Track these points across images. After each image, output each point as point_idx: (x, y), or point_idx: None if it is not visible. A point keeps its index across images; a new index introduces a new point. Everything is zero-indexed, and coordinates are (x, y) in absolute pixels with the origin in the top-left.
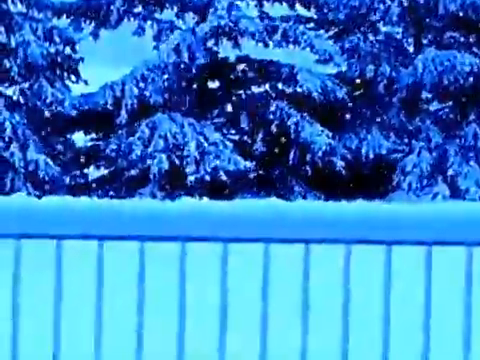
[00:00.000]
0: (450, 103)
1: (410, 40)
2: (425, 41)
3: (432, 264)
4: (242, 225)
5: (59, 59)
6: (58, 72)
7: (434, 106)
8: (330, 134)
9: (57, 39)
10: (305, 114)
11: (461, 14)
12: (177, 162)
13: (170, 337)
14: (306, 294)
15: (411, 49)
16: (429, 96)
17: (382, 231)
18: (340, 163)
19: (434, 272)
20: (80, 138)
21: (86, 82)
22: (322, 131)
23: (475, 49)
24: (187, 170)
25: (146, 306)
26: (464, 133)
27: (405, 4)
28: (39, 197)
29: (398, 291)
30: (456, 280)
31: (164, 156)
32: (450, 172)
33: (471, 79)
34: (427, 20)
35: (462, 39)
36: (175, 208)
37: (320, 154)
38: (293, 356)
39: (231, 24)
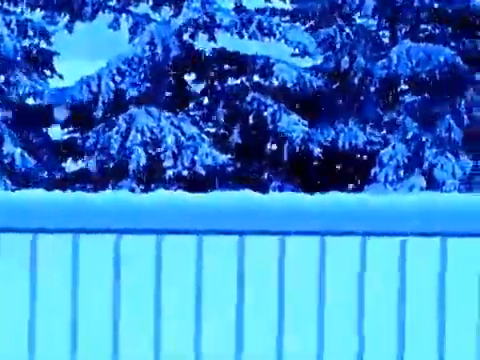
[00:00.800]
0: (425, 95)
1: (385, 32)
2: (400, 33)
3: (406, 255)
4: (217, 218)
5: (34, 53)
6: (33, 66)
7: (409, 98)
8: (307, 123)
9: (31, 33)
10: (282, 104)
11: (436, 6)
12: (155, 156)
13: (146, 330)
14: (282, 286)
15: (386, 41)
16: (404, 88)
17: (357, 222)
18: (317, 150)
19: (408, 263)
20: (57, 132)
21: (61, 76)
22: (299, 120)
23: (450, 41)
24: (165, 164)
25: (122, 299)
26: (439, 125)
27: None
28: (14, 191)
29: (373, 281)
30: (431, 271)
31: (141, 150)
32: (426, 164)
33: (446, 71)
34: (402, 12)
35: (437, 31)
36: (151, 201)
37: (298, 142)
38: (269, 349)
39: (206, 17)
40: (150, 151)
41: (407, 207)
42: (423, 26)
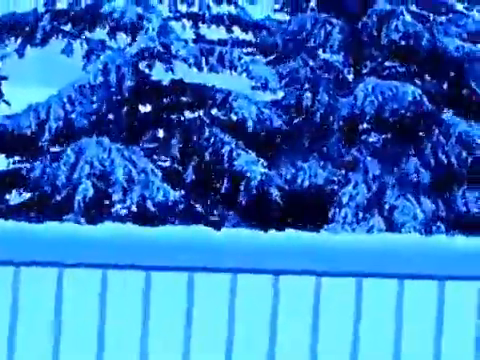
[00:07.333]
0: (389, 135)
1: (350, 69)
2: (365, 70)
3: (362, 296)
4: (166, 253)
5: None
6: None
7: (373, 137)
8: (265, 163)
9: None
10: (240, 142)
11: (403, 43)
12: (103, 189)
13: None
14: (231, 326)
15: (351, 77)
16: (368, 126)
17: (312, 262)
18: (276, 193)
19: (364, 304)
20: (2, 162)
21: (8, 103)
22: (258, 160)
23: (416, 80)
24: (113, 198)
25: (63, 334)
26: (403, 166)
27: (346, 31)
28: None
29: (327, 323)
30: (387, 313)
31: (89, 183)
32: (387, 206)
33: (412, 110)
34: (368, 48)
35: (403, 69)
36: (96, 233)
37: (255, 183)
38: None
39: (161, 47)
40: (98, 184)
41: (364, 247)
42: (389, 63)
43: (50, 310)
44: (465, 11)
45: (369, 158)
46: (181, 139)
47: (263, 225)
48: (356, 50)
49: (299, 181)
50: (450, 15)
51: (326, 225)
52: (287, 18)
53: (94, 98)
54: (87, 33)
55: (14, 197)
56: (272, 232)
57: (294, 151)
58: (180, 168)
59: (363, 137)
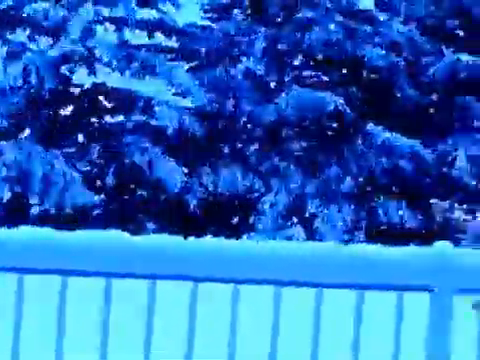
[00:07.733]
0: (311, 143)
1: (273, 77)
2: (288, 78)
3: (280, 305)
4: (83, 257)
5: None
6: None
7: (295, 145)
8: (186, 171)
9: None
10: (160, 149)
11: (326, 51)
12: (20, 192)
13: None
14: (149, 332)
15: (273, 85)
16: (290, 134)
17: (230, 269)
18: (194, 203)
19: (283, 313)
20: None
21: None
22: (178, 168)
23: (339, 88)
24: (31, 202)
25: None
26: (325, 175)
27: (269, 39)
28: None
29: (245, 331)
30: (304, 321)
31: (6, 185)
32: (307, 214)
33: (334, 119)
34: (291, 57)
35: (325, 78)
36: (12, 237)
37: (175, 192)
38: None
39: (84, 50)
40: (16, 187)
41: (282, 255)
42: (311, 72)
43: None
44: (388, 21)
45: (291, 166)
46: (101, 144)
47: (183, 233)
48: (279, 58)
49: (219, 189)
50: (373, 25)
51: (246, 233)
52: (212, 24)
53: (14, 100)
54: (8, 34)
55: None
56: (191, 239)
57: (215, 158)
58: (100, 173)
59: (285, 145)
